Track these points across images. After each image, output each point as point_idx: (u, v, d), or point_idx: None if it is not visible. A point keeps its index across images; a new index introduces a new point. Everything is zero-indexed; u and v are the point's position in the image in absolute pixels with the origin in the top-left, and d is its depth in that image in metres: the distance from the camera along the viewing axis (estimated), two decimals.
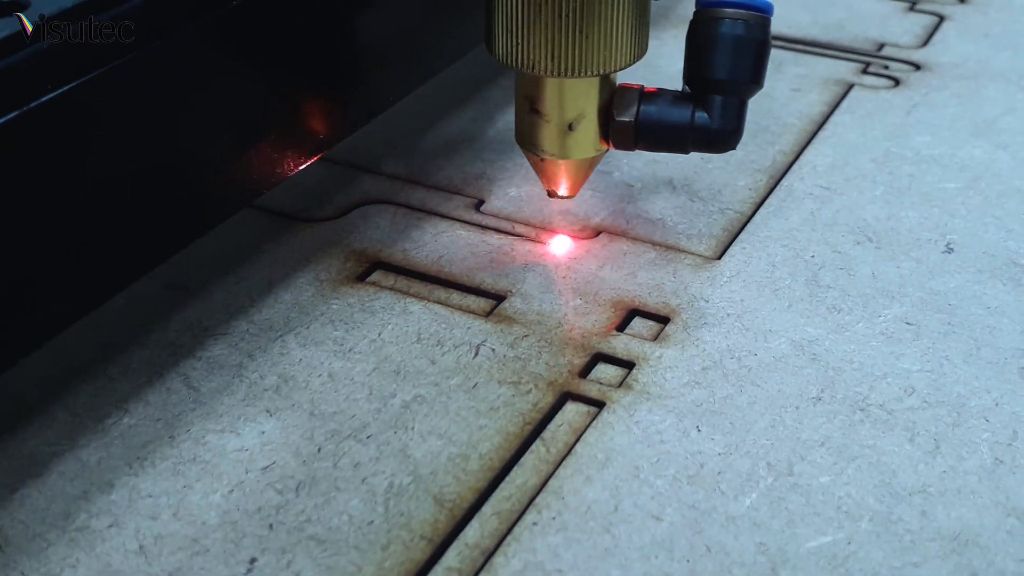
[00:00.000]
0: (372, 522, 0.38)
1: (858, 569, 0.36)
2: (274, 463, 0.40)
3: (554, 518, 0.38)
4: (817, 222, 0.53)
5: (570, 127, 0.47)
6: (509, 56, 0.45)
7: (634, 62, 0.46)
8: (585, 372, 0.44)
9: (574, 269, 0.50)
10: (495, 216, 0.54)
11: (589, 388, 0.44)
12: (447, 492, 0.39)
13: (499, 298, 0.49)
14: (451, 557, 0.37)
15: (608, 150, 0.49)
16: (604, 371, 0.45)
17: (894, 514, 0.38)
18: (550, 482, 0.40)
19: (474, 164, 0.58)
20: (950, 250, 0.51)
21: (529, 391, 0.43)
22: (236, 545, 0.37)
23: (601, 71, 0.45)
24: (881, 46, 0.71)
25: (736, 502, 0.39)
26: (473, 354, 0.45)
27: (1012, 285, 0.49)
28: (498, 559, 0.37)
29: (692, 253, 0.51)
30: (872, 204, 0.54)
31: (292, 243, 0.52)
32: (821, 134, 0.61)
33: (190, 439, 0.41)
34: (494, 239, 0.52)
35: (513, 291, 0.49)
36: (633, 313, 0.48)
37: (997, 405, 0.43)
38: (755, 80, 0.47)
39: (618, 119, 0.47)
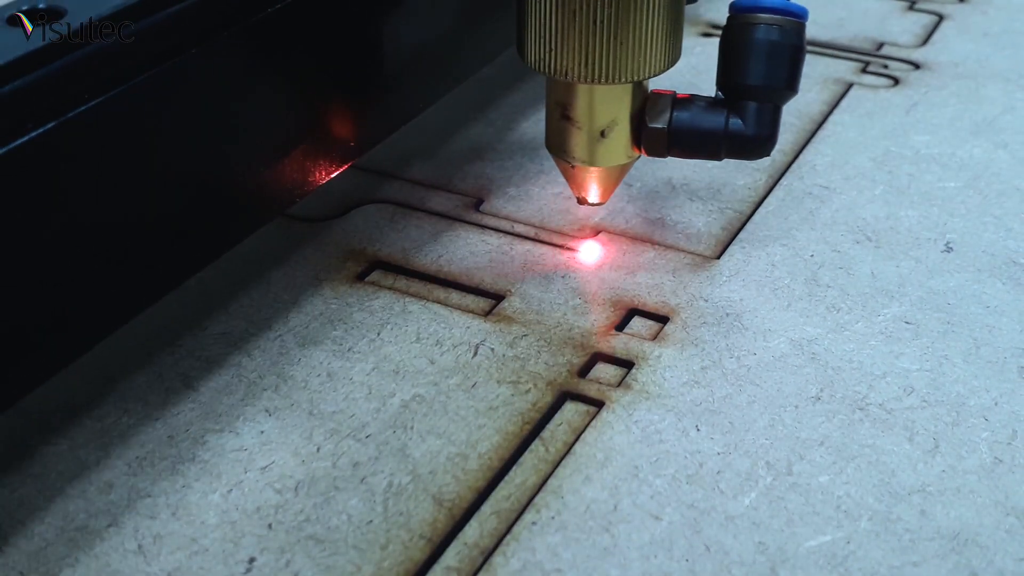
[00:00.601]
0: (371, 521, 0.38)
1: (857, 568, 0.36)
2: (273, 462, 0.40)
3: (553, 517, 0.38)
4: (816, 221, 0.53)
5: (602, 134, 0.47)
6: (541, 63, 0.45)
7: (668, 68, 0.46)
8: (584, 371, 0.44)
9: (573, 268, 0.50)
10: (494, 216, 0.54)
11: (588, 387, 0.44)
12: (446, 491, 0.39)
13: (498, 297, 0.48)
14: (450, 556, 0.37)
15: (640, 157, 0.49)
16: (603, 371, 0.45)
17: (893, 513, 0.38)
18: (549, 481, 0.40)
19: (474, 163, 0.58)
20: (949, 249, 0.51)
21: (528, 390, 0.43)
22: (235, 545, 0.37)
23: (634, 78, 0.45)
24: (880, 45, 0.71)
25: (735, 501, 0.39)
26: (472, 354, 0.45)
27: (1011, 284, 0.49)
28: (497, 558, 0.37)
29: (691, 252, 0.51)
30: (871, 203, 0.54)
31: (291, 242, 0.52)
32: (820, 133, 0.61)
33: (189, 439, 0.41)
34: (493, 239, 0.52)
35: (512, 290, 0.49)
36: (632, 312, 0.48)
37: (996, 404, 0.43)
38: (790, 86, 0.46)
39: (651, 126, 0.47)
